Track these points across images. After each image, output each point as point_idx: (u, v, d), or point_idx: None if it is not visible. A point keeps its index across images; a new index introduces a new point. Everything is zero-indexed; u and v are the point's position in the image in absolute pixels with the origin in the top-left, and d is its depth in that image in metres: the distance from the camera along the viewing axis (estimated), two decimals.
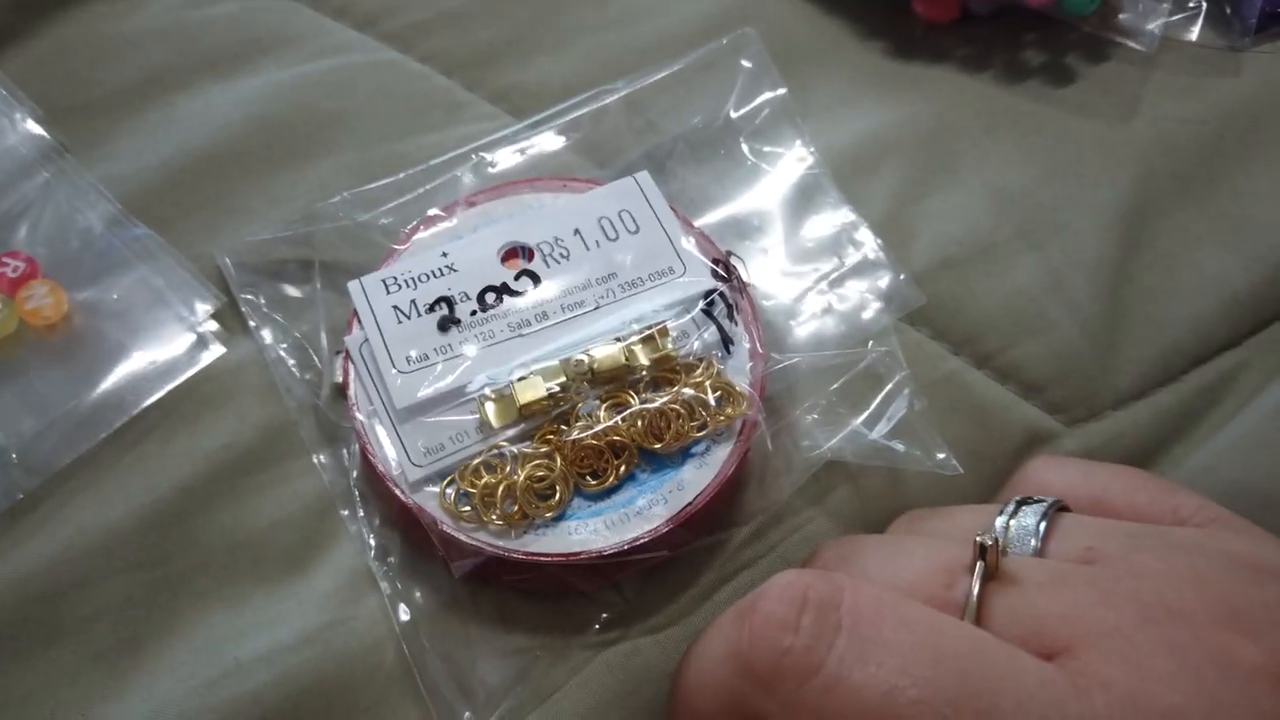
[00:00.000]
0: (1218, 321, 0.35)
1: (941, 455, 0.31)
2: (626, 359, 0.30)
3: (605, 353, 0.30)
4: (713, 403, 0.30)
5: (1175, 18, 0.40)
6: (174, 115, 0.38)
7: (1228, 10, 0.40)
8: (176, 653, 0.29)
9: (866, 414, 0.32)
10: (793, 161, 0.37)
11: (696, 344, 0.31)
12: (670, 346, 0.31)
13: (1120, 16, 0.39)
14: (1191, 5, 0.40)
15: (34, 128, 0.36)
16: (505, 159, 0.36)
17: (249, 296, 0.33)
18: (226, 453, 0.32)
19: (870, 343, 0.33)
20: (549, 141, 0.37)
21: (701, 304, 0.31)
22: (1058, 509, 0.26)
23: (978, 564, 0.23)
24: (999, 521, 0.26)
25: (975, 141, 0.38)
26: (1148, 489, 0.28)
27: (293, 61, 0.39)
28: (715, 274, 0.32)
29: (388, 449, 0.29)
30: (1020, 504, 0.26)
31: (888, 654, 0.21)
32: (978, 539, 0.23)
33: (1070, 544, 0.25)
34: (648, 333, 0.31)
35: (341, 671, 0.29)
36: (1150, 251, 0.36)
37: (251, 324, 0.33)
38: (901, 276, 0.35)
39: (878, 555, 0.26)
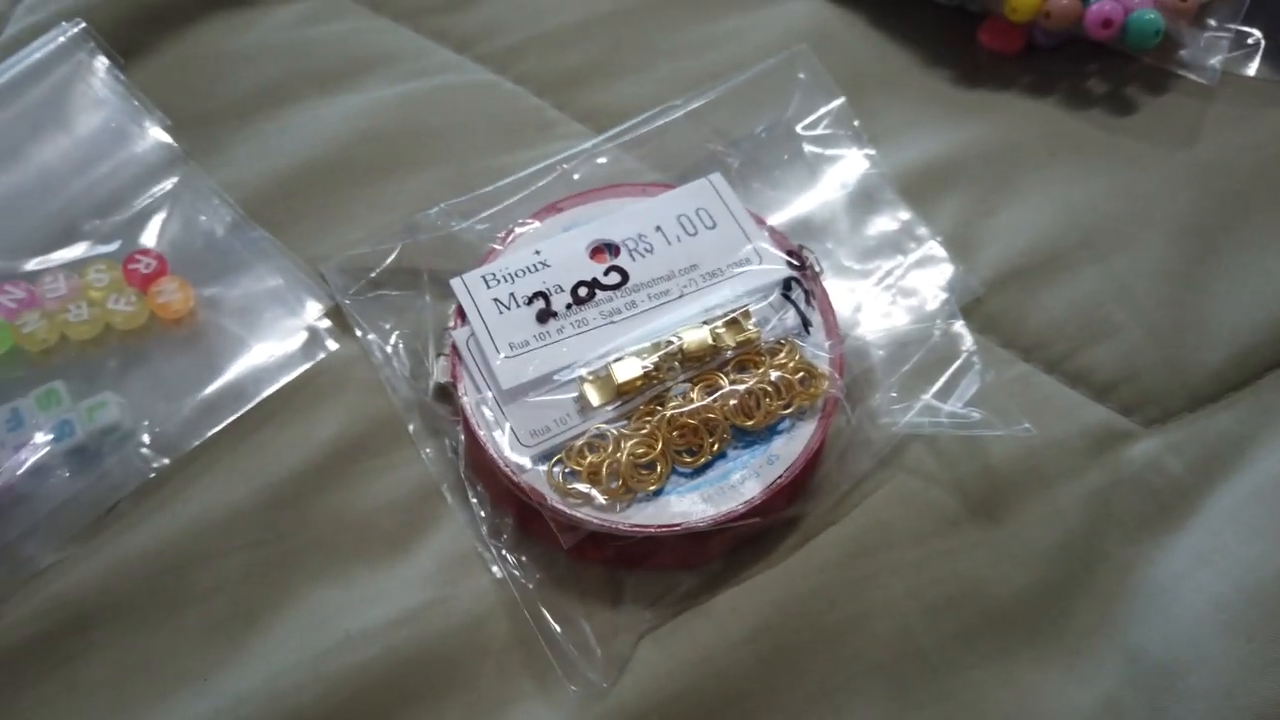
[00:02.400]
0: None
1: (1014, 420, 0.32)
2: (713, 340, 0.32)
3: (693, 335, 0.32)
4: (797, 382, 0.32)
5: (1234, 53, 0.41)
6: (285, 126, 0.40)
7: None
8: (290, 625, 0.31)
9: (938, 387, 0.34)
10: (852, 165, 0.39)
11: (777, 327, 0.33)
12: (753, 329, 0.33)
13: (1181, 51, 0.41)
14: (1250, 42, 0.42)
15: (161, 135, 0.38)
16: (587, 170, 0.38)
17: (352, 303, 0.36)
18: (337, 441, 0.34)
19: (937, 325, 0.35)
20: (626, 153, 0.39)
21: (779, 289, 0.33)
22: None
23: None
24: None
25: (1040, 163, 0.40)
26: None
27: (395, 79, 0.42)
28: (789, 264, 0.34)
29: (497, 433, 0.31)
30: None
31: None
32: None
33: None
34: (731, 316, 0.33)
35: (443, 646, 0.30)
36: (1216, 262, 0.37)
37: (357, 331, 0.35)
38: (960, 268, 0.36)
39: None
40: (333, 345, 0.35)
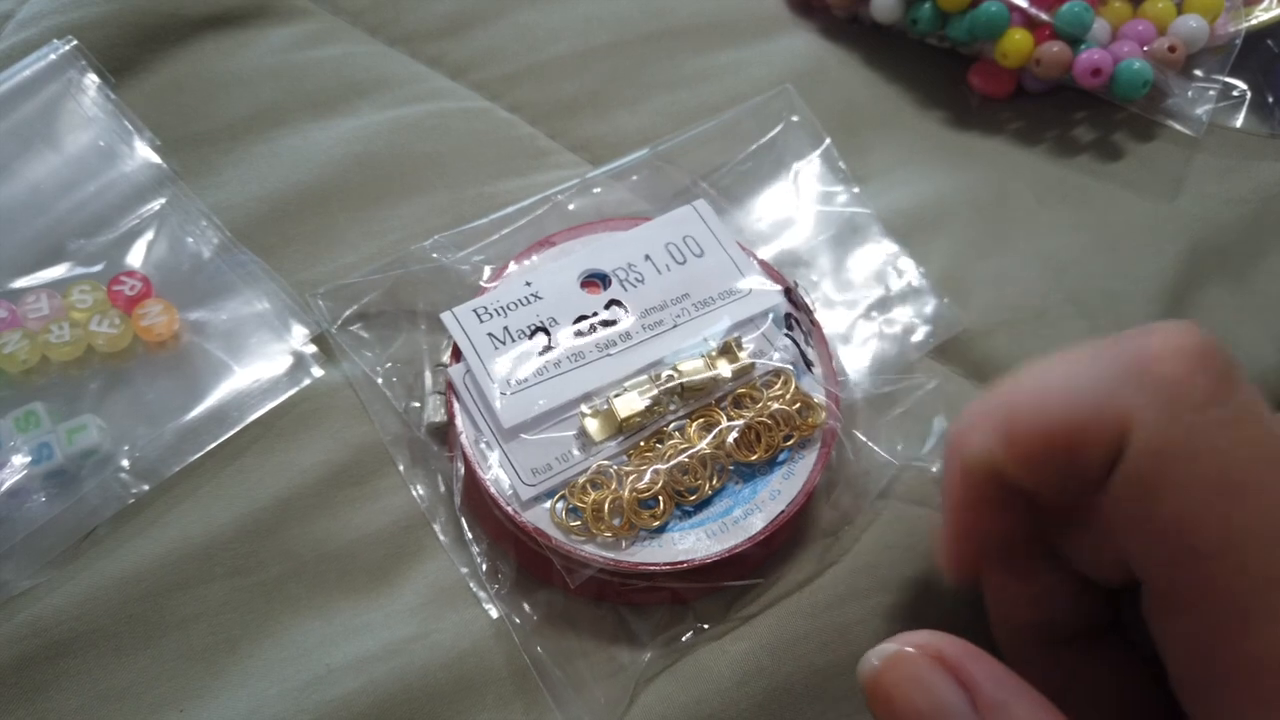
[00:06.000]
0: None
1: None
2: (711, 372, 0.32)
3: (691, 367, 0.32)
4: (795, 413, 0.32)
5: (1221, 104, 0.42)
6: (277, 150, 0.39)
7: (1269, 99, 0.43)
8: (270, 656, 0.30)
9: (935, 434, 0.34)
10: (837, 201, 0.39)
11: (776, 358, 0.33)
12: (746, 357, 0.33)
13: (1168, 101, 0.42)
14: (1235, 94, 0.42)
15: (151, 155, 0.37)
16: (580, 202, 0.38)
17: (340, 333, 0.35)
18: (321, 469, 0.33)
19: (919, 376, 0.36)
20: (617, 186, 0.39)
21: (782, 328, 0.34)
22: None
23: None
24: None
25: (1028, 210, 0.41)
26: None
27: (389, 104, 0.41)
28: (786, 298, 0.34)
29: (497, 471, 0.31)
30: None
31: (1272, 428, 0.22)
32: None
33: None
34: (726, 345, 0.33)
35: (427, 680, 0.30)
36: None
37: (344, 361, 0.35)
38: (945, 301, 0.37)
39: None
40: (318, 372, 0.35)
